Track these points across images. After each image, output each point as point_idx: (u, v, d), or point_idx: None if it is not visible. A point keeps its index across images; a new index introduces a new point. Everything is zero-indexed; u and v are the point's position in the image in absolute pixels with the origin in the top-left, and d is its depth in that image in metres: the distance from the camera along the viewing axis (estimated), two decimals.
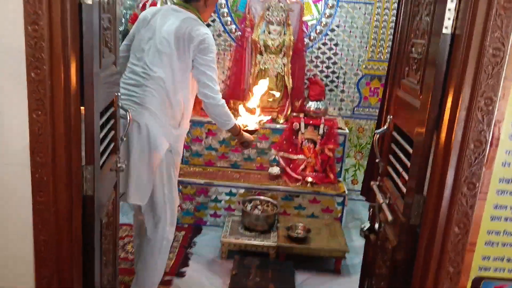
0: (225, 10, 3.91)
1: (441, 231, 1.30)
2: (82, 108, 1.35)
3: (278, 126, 3.66)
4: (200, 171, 3.65)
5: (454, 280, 1.31)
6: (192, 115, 2.81)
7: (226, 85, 3.87)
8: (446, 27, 1.30)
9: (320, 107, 3.66)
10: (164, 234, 2.44)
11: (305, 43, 3.90)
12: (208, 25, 3.86)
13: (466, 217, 1.25)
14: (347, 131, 3.69)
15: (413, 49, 1.61)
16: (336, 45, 3.97)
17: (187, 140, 3.59)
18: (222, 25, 3.94)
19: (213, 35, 3.89)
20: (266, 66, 3.68)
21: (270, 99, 3.56)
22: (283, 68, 3.70)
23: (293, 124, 3.58)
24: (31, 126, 1.26)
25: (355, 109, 4.12)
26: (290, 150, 3.61)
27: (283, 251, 3.03)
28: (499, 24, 1.15)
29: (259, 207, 3.29)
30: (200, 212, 3.56)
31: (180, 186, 3.40)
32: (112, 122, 1.75)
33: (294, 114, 3.75)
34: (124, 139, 1.94)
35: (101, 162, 1.56)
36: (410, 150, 1.54)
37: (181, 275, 2.91)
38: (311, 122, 3.59)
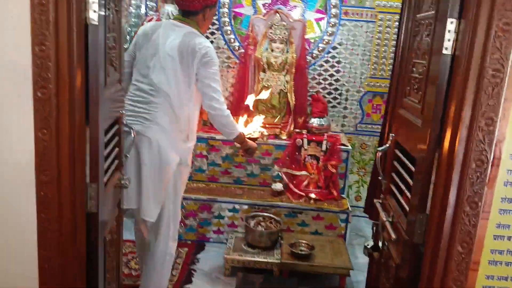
0: (229, 28, 3.95)
1: (444, 250, 1.30)
2: (87, 126, 1.37)
3: (281, 142, 3.68)
4: (203, 187, 3.66)
5: None
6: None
7: (229, 102, 3.90)
8: (446, 48, 1.32)
9: (323, 123, 3.67)
10: (167, 249, 2.45)
11: (307, 60, 3.93)
12: (212, 42, 3.91)
13: (469, 236, 1.25)
14: (350, 147, 3.69)
15: (414, 68, 1.63)
16: (338, 62, 4.00)
17: None
18: (226, 42, 3.98)
19: (216, 52, 3.94)
20: (269, 83, 3.71)
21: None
22: (285, 85, 3.73)
23: (296, 140, 3.59)
24: (36, 145, 1.28)
25: (358, 125, 4.14)
26: (293, 166, 3.62)
27: (287, 268, 3.01)
28: (498, 46, 1.17)
29: (263, 223, 3.29)
30: (204, 229, 3.55)
31: (183, 202, 3.40)
32: (116, 139, 1.77)
33: (297, 130, 3.77)
34: (128, 156, 1.95)
35: (105, 179, 1.57)
36: (412, 168, 1.55)
37: None
38: (314, 138, 3.60)
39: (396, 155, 1.79)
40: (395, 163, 1.79)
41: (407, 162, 1.64)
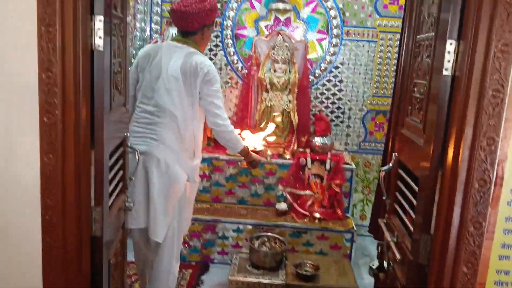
0: (232, 49, 4.00)
1: (449, 271, 1.29)
2: (92, 150, 1.39)
3: (284, 161, 3.68)
4: (207, 207, 3.65)
5: None
6: None
7: (233, 122, 3.92)
8: (446, 69, 1.33)
9: (326, 142, 3.68)
10: (171, 269, 2.46)
11: (310, 80, 3.96)
12: (214, 62, 3.96)
13: (474, 256, 1.25)
14: (353, 166, 3.69)
15: (415, 88, 1.64)
16: (340, 81, 4.03)
17: None
18: (229, 63, 4.03)
19: (220, 73, 4.00)
20: (272, 103, 3.74)
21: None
22: (288, 105, 3.75)
23: (300, 160, 3.59)
24: (42, 169, 1.30)
25: (361, 144, 4.14)
26: (297, 185, 3.61)
27: None
28: (497, 67, 1.18)
29: (267, 244, 3.26)
30: (208, 249, 3.53)
31: None
32: (121, 161, 1.79)
33: (301, 149, 3.77)
34: (133, 178, 1.97)
35: (109, 202, 1.58)
36: (416, 188, 1.55)
37: None
38: (317, 157, 3.60)
39: (400, 174, 1.79)
40: (399, 182, 1.80)
41: (410, 181, 1.64)
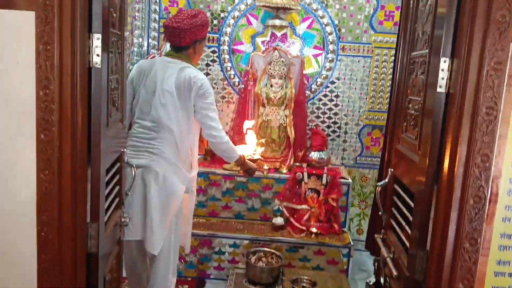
0: (229, 64, 4.03)
1: (445, 287, 1.29)
2: (88, 167, 1.39)
3: (281, 176, 3.68)
4: (203, 222, 3.64)
5: None
6: None
7: (230, 136, 3.93)
8: (440, 86, 1.35)
9: (323, 156, 3.69)
10: (167, 283, 2.44)
11: (306, 95, 3.99)
12: (212, 78, 3.99)
13: (470, 273, 1.25)
14: (350, 180, 3.69)
15: (410, 105, 1.66)
16: (336, 96, 4.06)
17: None
18: (226, 78, 4.06)
19: (216, 88, 4.02)
20: (268, 118, 3.75)
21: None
22: (285, 120, 3.77)
23: (296, 174, 3.59)
24: (38, 185, 1.30)
25: (358, 158, 4.15)
26: (294, 200, 3.61)
27: None
28: (490, 84, 1.20)
29: (264, 259, 3.25)
30: (204, 265, 3.51)
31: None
32: (117, 177, 1.79)
33: (297, 164, 3.78)
34: (129, 194, 1.97)
35: (105, 218, 1.58)
36: (412, 204, 1.55)
37: None
38: (314, 172, 3.61)
39: (396, 190, 1.80)
40: (395, 198, 1.80)
41: (406, 197, 1.65)
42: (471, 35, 1.24)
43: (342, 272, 3.41)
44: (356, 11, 3.94)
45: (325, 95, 4.06)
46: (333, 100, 4.07)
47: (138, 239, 2.39)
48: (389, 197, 1.89)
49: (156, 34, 4.00)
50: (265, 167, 3.64)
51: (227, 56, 4.02)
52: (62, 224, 1.31)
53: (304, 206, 3.57)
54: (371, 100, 4.05)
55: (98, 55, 1.35)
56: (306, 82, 3.98)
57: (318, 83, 4.03)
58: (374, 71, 4.00)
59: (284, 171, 3.73)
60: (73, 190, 1.31)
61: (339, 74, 4.02)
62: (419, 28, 1.69)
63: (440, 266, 1.29)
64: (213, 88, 4.00)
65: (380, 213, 1.92)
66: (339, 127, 4.11)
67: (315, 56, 4.00)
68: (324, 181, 3.57)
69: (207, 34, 2.59)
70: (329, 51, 3.98)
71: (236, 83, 4.06)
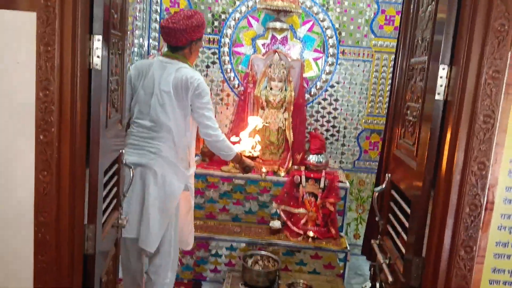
0: (229, 66, 4.04)
1: None
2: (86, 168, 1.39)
3: (279, 179, 3.68)
4: (201, 224, 3.64)
5: None
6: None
7: (228, 137, 3.93)
8: (438, 93, 1.36)
9: (321, 160, 3.69)
10: (165, 279, 2.47)
11: (305, 98, 3.99)
12: (211, 80, 3.99)
13: (465, 280, 1.26)
14: (348, 184, 3.69)
15: (408, 111, 1.66)
16: (336, 100, 4.07)
17: None
18: (226, 80, 4.06)
19: (216, 90, 4.03)
20: (268, 121, 3.75)
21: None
22: (284, 122, 3.77)
23: (294, 178, 3.59)
24: (36, 186, 1.30)
25: (356, 162, 4.16)
26: (291, 203, 3.61)
27: None
28: (488, 93, 1.20)
29: (260, 262, 3.25)
30: (200, 267, 3.51)
31: None
32: (115, 178, 1.79)
33: (295, 167, 3.78)
34: (126, 195, 1.97)
35: (103, 220, 1.58)
36: (408, 210, 1.56)
37: None
38: (312, 175, 3.61)
39: (393, 195, 1.80)
40: (392, 203, 1.81)
41: (402, 203, 1.65)
42: (470, 44, 1.24)
43: (338, 276, 3.41)
44: (357, 15, 3.96)
45: (325, 99, 4.07)
46: (332, 104, 4.07)
47: (133, 236, 2.41)
48: (386, 203, 1.89)
49: (157, 35, 4.01)
50: (263, 169, 3.64)
51: (227, 58, 4.03)
52: (59, 225, 1.31)
53: (302, 210, 3.57)
54: (370, 105, 4.06)
55: (98, 56, 1.35)
56: (305, 85, 3.98)
57: (318, 86, 4.04)
58: (373, 76, 4.01)
59: (282, 174, 3.73)
60: (71, 191, 1.31)
61: (338, 78, 4.03)
62: (419, 34, 1.70)
63: (435, 273, 1.29)
64: (212, 90, 4.01)
65: (376, 218, 1.92)
66: (337, 131, 4.12)
67: (315, 59, 4.01)
68: (322, 184, 3.57)
69: (203, 35, 2.61)
70: (329, 55, 3.99)
71: (236, 85, 4.06)
